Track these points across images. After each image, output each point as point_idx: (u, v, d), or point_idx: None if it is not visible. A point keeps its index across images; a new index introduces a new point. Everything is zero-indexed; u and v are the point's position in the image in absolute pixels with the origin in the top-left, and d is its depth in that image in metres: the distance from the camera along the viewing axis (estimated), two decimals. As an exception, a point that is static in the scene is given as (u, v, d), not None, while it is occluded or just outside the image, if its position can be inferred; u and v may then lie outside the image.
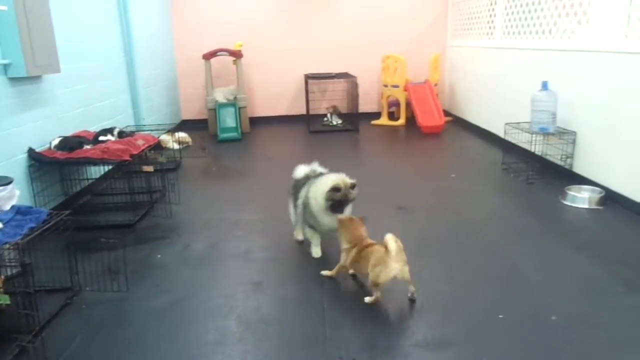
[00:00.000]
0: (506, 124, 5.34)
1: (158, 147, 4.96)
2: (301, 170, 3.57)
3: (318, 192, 3.17)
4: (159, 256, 3.46)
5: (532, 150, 5.04)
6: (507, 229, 3.84)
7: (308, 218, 3.30)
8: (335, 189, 3.12)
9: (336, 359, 2.30)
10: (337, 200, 3.12)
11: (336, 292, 2.93)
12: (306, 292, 2.93)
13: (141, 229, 3.94)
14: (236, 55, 7.50)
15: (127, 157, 3.91)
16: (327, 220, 3.19)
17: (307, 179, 3.40)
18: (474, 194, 4.65)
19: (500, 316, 2.61)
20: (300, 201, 3.36)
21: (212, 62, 7.54)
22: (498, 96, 6.48)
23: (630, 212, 3.94)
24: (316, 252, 3.40)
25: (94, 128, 4.71)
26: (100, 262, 3.12)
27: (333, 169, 5.77)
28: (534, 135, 4.92)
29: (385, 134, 7.55)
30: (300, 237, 3.61)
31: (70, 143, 3.94)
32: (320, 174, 3.41)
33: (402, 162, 6.04)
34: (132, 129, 5.30)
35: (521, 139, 5.16)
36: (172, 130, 6.54)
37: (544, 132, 4.84)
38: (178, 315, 2.74)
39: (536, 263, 3.22)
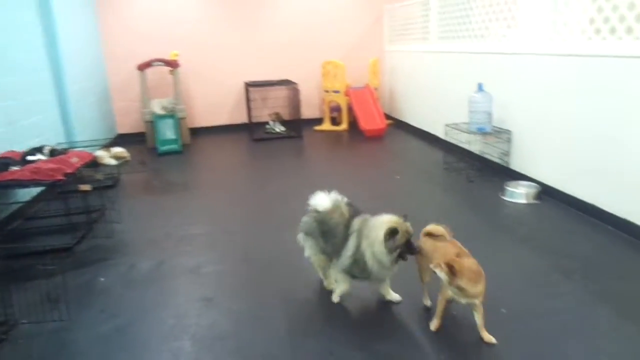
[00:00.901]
0: (446, 125, 5.50)
1: (94, 164, 4.71)
2: (324, 200, 2.87)
3: (375, 243, 2.59)
4: (102, 279, 3.27)
5: (471, 149, 5.22)
6: (452, 226, 3.93)
7: (356, 271, 2.73)
8: (392, 233, 2.56)
9: (297, 372, 2.26)
10: (402, 244, 2.58)
11: (293, 304, 2.89)
12: (261, 306, 2.87)
13: (81, 252, 3.72)
14: (172, 65, 7.30)
15: (60, 177, 3.68)
16: (388, 271, 2.71)
17: (341, 215, 2.79)
18: (418, 194, 4.76)
19: (454, 312, 2.67)
20: (349, 253, 2.70)
21: (147, 73, 7.29)
22: (437, 98, 6.68)
23: (564, 204, 4.16)
24: (337, 298, 2.87)
25: (21, 148, 4.40)
26: (37, 291, 2.91)
27: (279, 176, 5.78)
28: (472, 135, 5.11)
29: (329, 139, 7.60)
30: (333, 285, 2.93)
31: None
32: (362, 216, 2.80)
33: (347, 167, 6.09)
34: (65, 146, 5.01)
35: (461, 139, 5.34)
36: (107, 146, 6.25)
37: (482, 132, 5.02)
38: (127, 340, 2.60)
39: (482, 258, 3.30)
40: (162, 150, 6.99)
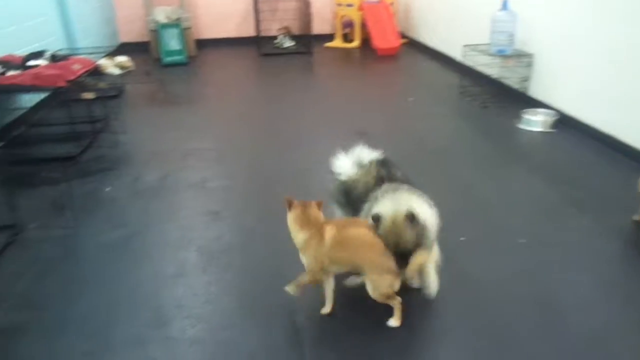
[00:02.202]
0: (464, 46, 5.23)
1: (96, 72, 4.55)
2: (346, 164, 2.29)
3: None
4: (107, 189, 3.25)
5: (489, 73, 5.00)
6: (464, 152, 3.85)
7: None
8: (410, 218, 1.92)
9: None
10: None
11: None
12: (267, 221, 2.84)
13: (85, 161, 3.68)
14: (178, -31, 6.87)
15: (62, 83, 3.55)
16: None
17: (365, 184, 2.17)
18: (431, 118, 4.61)
19: (462, 238, 2.64)
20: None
21: (152, -22, 6.89)
22: (456, 17, 6.31)
23: (581, 134, 4.02)
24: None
25: (21, 52, 4.22)
26: (43, 198, 2.89)
27: (286, 93, 5.62)
28: (491, 58, 4.86)
29: (340, 57, 7.30)
30: None
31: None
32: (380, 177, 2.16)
33: (358, 86, 5.89)
34: (66, 52, 4.82)
35: (478, 62, 5.09)
36: (110, 54, 6.03)
37: (502, 55, 4.78)
38: (134, 249, 2.61)
39: (493, 186, 3.27)
40: (166, 61, 6.75)
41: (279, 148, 3.93)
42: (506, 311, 2.12)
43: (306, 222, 1.99)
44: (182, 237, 2.70)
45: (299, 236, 2.00)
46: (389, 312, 2.00)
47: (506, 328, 2.02)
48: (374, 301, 1.96)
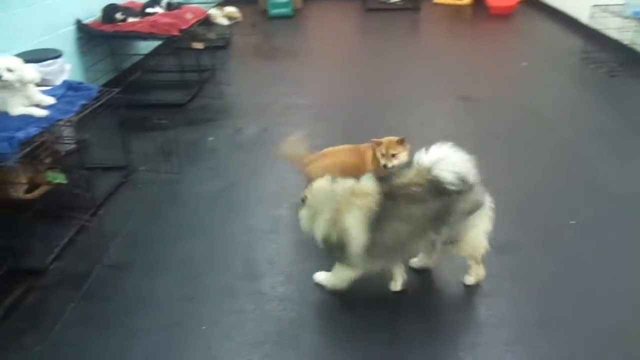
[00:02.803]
0: (593, 5, 4.67)
1: (207, 22, 4.67)
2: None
3: None
4: (210, 139, 3.37)
5: (621, 38, 4.44)
6: (584, 126, 3.49)
7: None
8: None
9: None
10: None
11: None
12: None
13: (192, 110, 3.84)
14: None
15: (175, 32, 3.69)
16: None
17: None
18: (547, 86, 4.22)
19: (572, 222, 2.42)
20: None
21: None
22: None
23: None
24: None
25: (141, -1, 4.42)
26: (152, 142, 3.06)
27: (390, 52, 5.41)
28: (625, 20, 4.30)
29: (449, 14, 6.87)
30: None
31: (109, 13, 3.72)
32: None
33: (466, 47, 5.52)
34: (181, 0, 4.98)
35: (608, 25, 4.54)
36: (220, 4, 6.15)
37: (639, 17, 4.21)
38: (231, 200, 2.70)
39: (615, 166, 2.94)
40: (272, 13, 6.77)
41: (378, 108, 3.83)
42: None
43: None
44: (277, 192, 2.74)
45: None
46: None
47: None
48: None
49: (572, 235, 2.35)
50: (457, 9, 7.14)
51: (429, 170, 1.79)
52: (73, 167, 2.57)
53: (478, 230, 1.90)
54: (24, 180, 2.47)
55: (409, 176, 1.84)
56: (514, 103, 3.89)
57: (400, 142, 2.31)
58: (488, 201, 1.90)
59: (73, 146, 2.70)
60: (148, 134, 3.17)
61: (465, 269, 2.04)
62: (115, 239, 2.35)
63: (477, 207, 1.86)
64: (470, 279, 2.04)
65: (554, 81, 4.32)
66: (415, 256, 2.09)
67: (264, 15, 6.79)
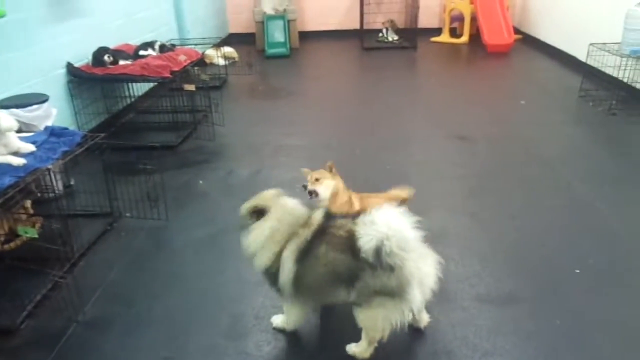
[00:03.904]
0: (590, 44, 4.66)
1: (202, 63, 4.67)
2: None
3: None
4: (200, 182, 3.28)
5: (619, 76, 4.40)
6: (584, 166, 3.40)
7: None
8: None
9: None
10: None
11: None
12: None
13: (183, 152, 3.77)
14: (286, -39, 6.87)
15: (166, 74, 3.66)
16: None
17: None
18: (545, 125, 4.15)
19: (577, 271, 2.29)
20: None
21: (260, -31, 6.95)
22: (582, 11, 5.66)
23: None
24: None
25: (136, 41, 4.43)
26: (139, 187, 2.97)
27: (387, 91, 5.38)
28: (623, 59, 4.27)
29: (446, 53, 6.90)
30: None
31: (97, 56, 3.71)
32: None
33: (464, 86, 5.50)
34: (176, 42, 5.00)
35: (606, 63, 4.51)
36: (218, 45, 6.20)
37: (636, 55, 4.18)
38: (220, 248, 2.58)
39: (618, 208, 2.83)
40: (269, 53, 6.81)
41: (373, 148, 3.76)
42: None
43: None
44: (267, 239, 2.63)
45: None
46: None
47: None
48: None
49: (578, 285, 2.22)
50: (454, 47, 7.18)
51: (358, 226, 1.66)
52: (52, 216, 2.46)
53: (381, 315, 1.67)
54: (1, 230, 2.37)
55: (347, 223, 1.74)
56: (512, 142, 3.82)
57: (329, 168, 2.37)
58: (415, 297, 1.64)
59: (54, 194, 2.60)
60: (135, 179, 3.07)
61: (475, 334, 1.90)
62: (95, 293, 2.22)
63: (388, 293, 1.63)
64: (352, 349, 1.83)
65: (552, 120, 4.26)
66: (333, 303, 1.91)
67: (260, 55, 6.83)
